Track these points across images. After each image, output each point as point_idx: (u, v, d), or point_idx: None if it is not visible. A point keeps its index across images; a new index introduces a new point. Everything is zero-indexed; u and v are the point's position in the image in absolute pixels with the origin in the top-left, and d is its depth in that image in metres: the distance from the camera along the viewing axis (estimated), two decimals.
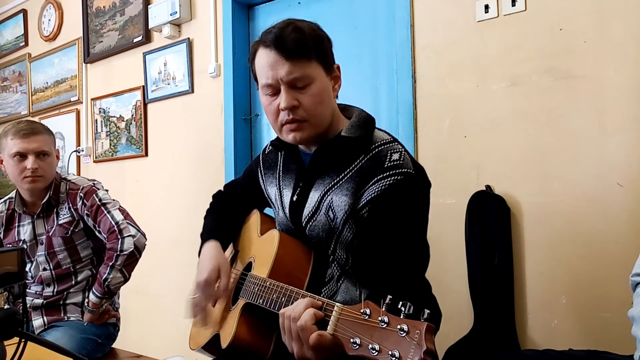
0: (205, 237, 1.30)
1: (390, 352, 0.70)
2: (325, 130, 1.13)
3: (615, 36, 1.54)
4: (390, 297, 0.75)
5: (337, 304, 0.83)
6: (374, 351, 0.72)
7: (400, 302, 0.73)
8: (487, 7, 1.76)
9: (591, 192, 1.57)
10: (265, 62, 1.08)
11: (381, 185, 1.04)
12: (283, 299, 0.99)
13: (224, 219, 1.35)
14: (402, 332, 0.70)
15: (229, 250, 1.33)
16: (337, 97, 1.18)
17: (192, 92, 2.67)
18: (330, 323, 0.82)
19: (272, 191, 1.27)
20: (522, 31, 1.70)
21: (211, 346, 1.20)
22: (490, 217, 1.70)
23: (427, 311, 0.70)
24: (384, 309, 0.74)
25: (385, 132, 1.17)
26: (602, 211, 1.55)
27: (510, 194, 1.71)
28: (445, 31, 1.86)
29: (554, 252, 1.64)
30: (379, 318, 0.74)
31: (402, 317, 0.72)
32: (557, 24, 1.64)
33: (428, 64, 1.90)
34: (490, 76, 1.76)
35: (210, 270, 1.17)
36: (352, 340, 0.76)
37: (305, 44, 1.06)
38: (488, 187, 1.75)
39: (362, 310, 0.77)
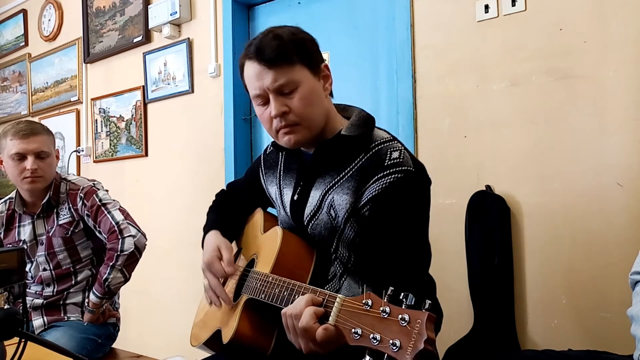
0: (206, 230, 1.32)
1: (391, 342, 0.70)
2: (320, 130, 1.14)
3: (615, 36, 1.54)
4: (392, 288, 0.76)
5: (339, 295, 0.84)
6: (375, 341, 0.72)
7: (402, 294, 0.74)
8: (487, 7, 1.76)
9: (591, 192, 1.57)
10: (252, 74, 1.10)
11: (382, 183, 1.05)
12: (285, 293, 0.99)
13: (226, 213, 1.36)
14: (403, 322, 0.70)
15: (233, 248, 1.34)
16: (331, 95, 1.18)
17: (192, 92, 2.67)
18: (331, 314, 0.82)
19: (272, 190, 1.28)
20: (522, 31, 1.70)
21: (212, 342, 1.21)
22: (490, 217, 1.70)
23: (428, 301, 0.71)
24: (385, 299, 0.75)
25: (385, 131, 1.18)
26: (602, 211, 1.55)
27: (510, 194, 1.71)
28: (445, 31, 1.86)
29: (554, 251, 1.64)
30: (381, 308, 0.74)
31: (403, 307, 0.72)
32: (557, 24, 1.64)
33: (428, 64, 1.90)
34: (490, 76, 1.76)
35: (211, 252, 1.21)
36: (353, 330, 0.76)
37: (285, 50, 1.07)
38: (488, 187, 1.75)
39: (363, 301, 0.77)
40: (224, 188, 1.50)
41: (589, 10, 1.58)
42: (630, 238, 1.50)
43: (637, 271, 1.13)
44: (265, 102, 1.10)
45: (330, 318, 0.82)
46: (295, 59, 1.08)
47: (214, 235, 1.26)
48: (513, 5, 1.71)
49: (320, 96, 1.12)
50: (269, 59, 1.06)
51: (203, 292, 1.36)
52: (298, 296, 0.94)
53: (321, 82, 1.13)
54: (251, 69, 1.10)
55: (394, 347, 0.69)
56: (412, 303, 0.73)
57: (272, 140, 1.29)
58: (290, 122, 1.09)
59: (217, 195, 1.47)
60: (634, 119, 1.51)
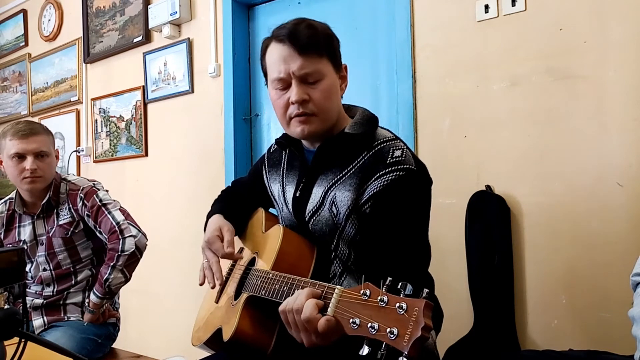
0: (209, 216, 1.32)
1: (389, 330, 0.70)
2: (331, 126, 1.15)
3: (615, 36, 1.54)
4: (390, 278, 0.76)
5: (337, 287, 0.84)
6: (372, 330, 0.72)
7: (400, 283, 0.74)
8: (487, 7, 1.76)
9: (591, 192, 1.57)
10: (278, 56, 1.10)
11: (383, 180, 1.06)
12: (285, 289, 0.99)
13: (231, 205, 1.37)
14: (401, 310, 0.71)
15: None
16: (342, 97, 1.20)
17: (192, 92, 2.67)
18: (330, 305, 0.82)
19: (275, 188, 1.28)
20: (522, 31, 1.70)
21: (213, 341, 1.20)
22: (490, 217, 1.70)
23: (425, 290, 0.71)
24: (383, 289, 0.75)
25: (388, 130, 1.19)
26: (602, 211, 1.55)
27: (510, 194, 1.71)
28: (445, 31, 1.86)
29: (554, 252, 1.64)
30: (379, 298, 0.74)
31: (401, 296, 0.73)
32: (557, 24, 1.64)
33: (428, 64, 1.90)
34: (490, 76, 1.76)
35: (212, 231, 1.22)
36: (351, 320, 0.76)
37: (317, 40, 1.09)
38: (488, 187, 1.75)
39: (362, 292, 0.77)
40: (230, 185, 1.51)
41: (589, 10, 1.58)
42: (630, 238, 1.50)
43: (638, 272, 1.13)
44: (285, 87, 1.11)
45: (329, 309, 0.82)
46: (324, 52, 1.10)
47: (217, 218, 1.27)
48: (513, 5, 1.71)
49: (337, 93, 1.15)
50: (301, 45, 1.08)
51: (203, 292, 1.35)
52: (298, 290, 0.94)
53: (339, 81, 1.16)
54: (278, 51, 1.10)
55: (392, 335, 0.70)
56: (410, 292, 0.73)
57: (275, 139, 1.30)
58: (307, 112, 1.10)
59: (222, 191, 1.48)
60: (634, 119, 1.51)
